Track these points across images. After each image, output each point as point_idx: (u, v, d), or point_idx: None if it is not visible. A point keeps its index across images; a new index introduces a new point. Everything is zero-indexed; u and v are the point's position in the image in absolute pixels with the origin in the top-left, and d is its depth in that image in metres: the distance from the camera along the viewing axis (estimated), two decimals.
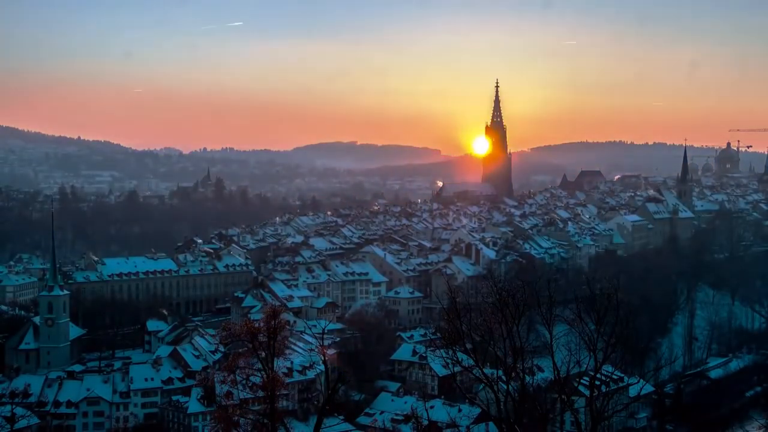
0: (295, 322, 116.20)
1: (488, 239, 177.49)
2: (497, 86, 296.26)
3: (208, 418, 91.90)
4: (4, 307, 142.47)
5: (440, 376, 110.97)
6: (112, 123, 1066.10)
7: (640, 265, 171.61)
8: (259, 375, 45.34)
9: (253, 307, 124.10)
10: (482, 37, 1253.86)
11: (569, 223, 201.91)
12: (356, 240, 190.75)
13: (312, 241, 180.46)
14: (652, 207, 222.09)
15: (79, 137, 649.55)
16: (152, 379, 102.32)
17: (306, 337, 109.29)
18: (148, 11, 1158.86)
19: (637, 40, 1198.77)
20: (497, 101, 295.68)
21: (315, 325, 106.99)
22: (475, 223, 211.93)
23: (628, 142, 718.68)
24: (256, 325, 48.22)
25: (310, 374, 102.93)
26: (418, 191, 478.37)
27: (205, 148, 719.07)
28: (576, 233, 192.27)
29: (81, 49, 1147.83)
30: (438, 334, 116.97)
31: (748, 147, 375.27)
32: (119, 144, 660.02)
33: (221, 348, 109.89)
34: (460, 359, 40.55)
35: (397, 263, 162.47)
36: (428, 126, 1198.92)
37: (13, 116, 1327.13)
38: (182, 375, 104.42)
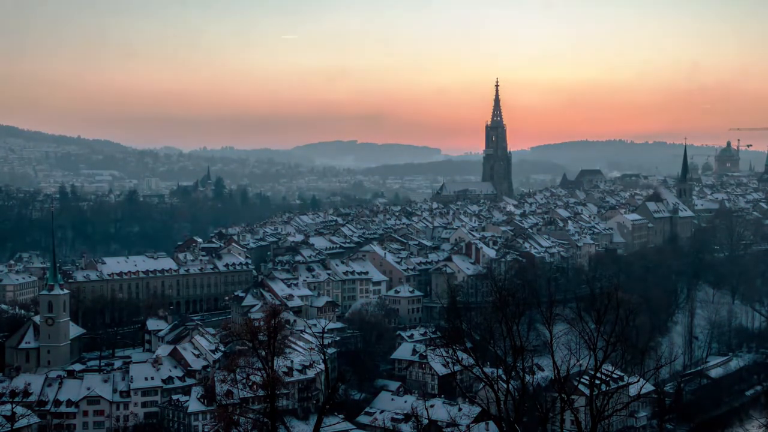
0: (295, 321, 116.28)
1: (488, 238, 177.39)
2: (497, 85, 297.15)
3: (209, 417, 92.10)
4: (4, 306, 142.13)
5: (440, 375, 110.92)
6: (112, 122, 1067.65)
7: (639, 264, 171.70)
8: (259, 374, 45.44)
9: (253, 306, 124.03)
10: (483, 36, 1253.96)
11: (569, 222, 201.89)
12: (356, 239, 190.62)
13: (312, 240, 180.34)
14: (652, 206, 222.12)
15: (79, 136, 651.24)
16: (152, 378, 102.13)
17: (306, 336, 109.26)
18: (148, 11, 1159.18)
19: (638, 39, 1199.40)
20: (497, 100, 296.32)
21: (315, 325, 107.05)
22: (475, 222, 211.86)
23: (629, 141, 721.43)
24: (257, 324, 48.30)
25: (310, 373, 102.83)
26: (418, 190, 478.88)
27: (205, 147, 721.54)
28: (576, 232, 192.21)
29: (81, 48, 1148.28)
30: (438, 333, 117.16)
31: (748, 146, 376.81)
32: (119, 143, 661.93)
33: (221, 347, 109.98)
34: (460, 358, 40.64)
35: (397, 262, 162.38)
36: (428, 125, 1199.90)
37: (13, 115, 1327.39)
38: (182, 374, 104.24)
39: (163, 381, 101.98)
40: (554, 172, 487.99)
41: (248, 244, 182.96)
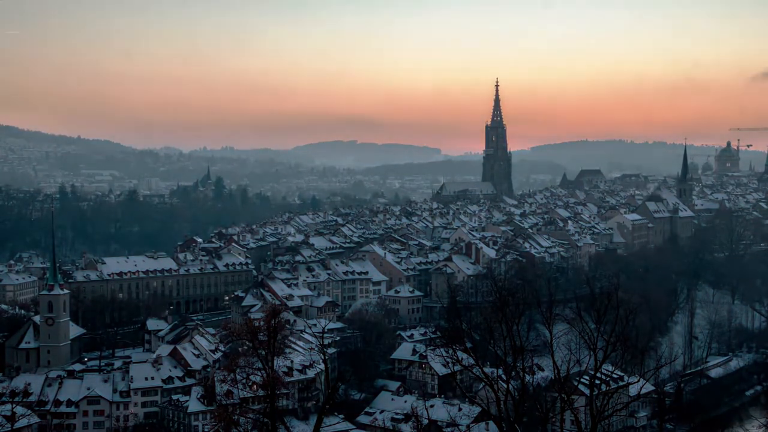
0: (295, 321, 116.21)
1: (488, 238, 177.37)
2: (497, 85, 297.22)
3: (209, 417, 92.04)
4: (4, 306, 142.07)
5: (440, 375, 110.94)
6: (112, 122, 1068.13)
7: (640, 264, 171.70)
8: (259, 374, 45.41)
9: (253, 306, 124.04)
10: (483, 36, 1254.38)
11: (569, 222, 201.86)
12: (356, 239, 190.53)
13: (312, 240, 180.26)
14: (652, 206, 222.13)
15: (79, 136, 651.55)
16: (152, 378, 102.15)
17: (306, 336, 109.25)
18: (148, 10, 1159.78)
19: (638, 38, 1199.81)
20: (497, 100, 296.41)
21: (315, 325, 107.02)
22: (475, 222, 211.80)
23: (629, 141, 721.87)
24: (257, 324, 48.23)
25: (310, 373, 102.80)
26: (418, 190, 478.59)
27: (205, 147, 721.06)
28: (576, 232, 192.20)
29: (81, 48, 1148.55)
30: (438, 333, 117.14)
31: (748, 146, 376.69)
32: (119, 143, 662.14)
33: (221, 347, 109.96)
34: (460, 358, 40.62)
35: (397, 262, 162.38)
36: (428, 125, 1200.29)
37: (13, 115, 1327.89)
38: (182, 374, 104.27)
39: (163, 381, 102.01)
40: (554, 172, 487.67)
41: (248, 244, 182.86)
